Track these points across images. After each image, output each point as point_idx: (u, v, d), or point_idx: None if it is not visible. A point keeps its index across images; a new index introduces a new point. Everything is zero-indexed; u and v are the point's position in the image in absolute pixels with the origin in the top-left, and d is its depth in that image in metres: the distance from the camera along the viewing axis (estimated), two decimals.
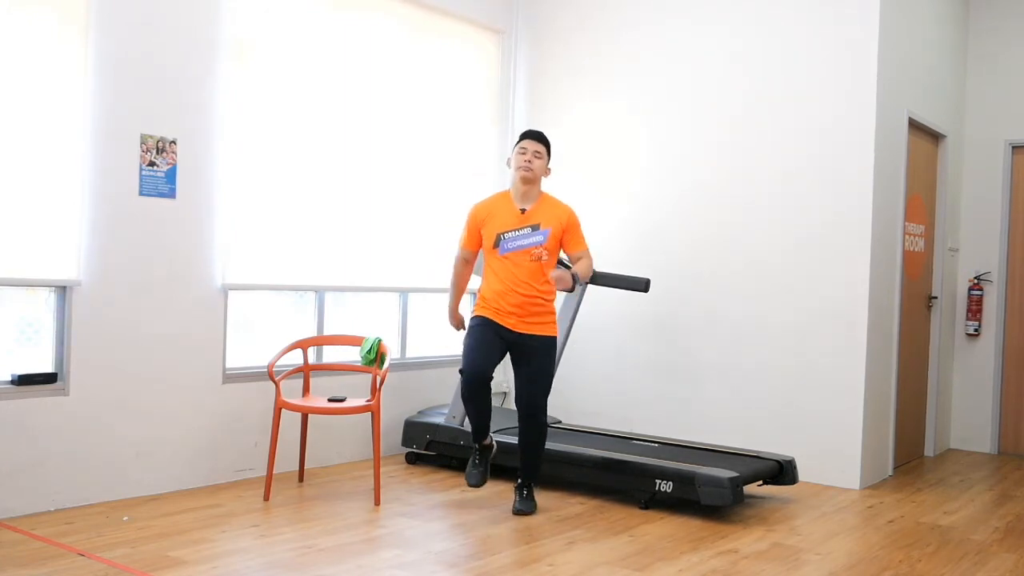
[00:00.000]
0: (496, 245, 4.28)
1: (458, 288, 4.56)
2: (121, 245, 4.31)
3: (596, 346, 6.08)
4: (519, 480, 4.50)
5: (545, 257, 4.20)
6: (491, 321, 4.30)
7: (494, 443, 4.56)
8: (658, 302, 5.80)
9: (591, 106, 6.20)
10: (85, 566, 3.36)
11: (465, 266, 4.52)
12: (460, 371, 4.30)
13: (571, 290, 4.31)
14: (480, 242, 4.41)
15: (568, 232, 4.38)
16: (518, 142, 4.40)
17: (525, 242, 4.25)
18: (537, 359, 4.31)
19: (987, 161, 6.61)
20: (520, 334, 4.29)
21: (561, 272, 4.25)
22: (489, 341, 4.26)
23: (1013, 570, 3.79)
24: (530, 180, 4.33)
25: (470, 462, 4.50)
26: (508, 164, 4.44)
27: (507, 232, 4.28)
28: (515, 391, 4.39)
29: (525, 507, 4.41)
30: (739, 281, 5.57)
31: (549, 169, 4.43)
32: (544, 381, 4.35)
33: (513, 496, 4.53)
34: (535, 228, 4.28)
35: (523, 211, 4.32)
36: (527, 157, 4.31)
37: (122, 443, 4.36)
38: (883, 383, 5.51)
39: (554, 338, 4.38)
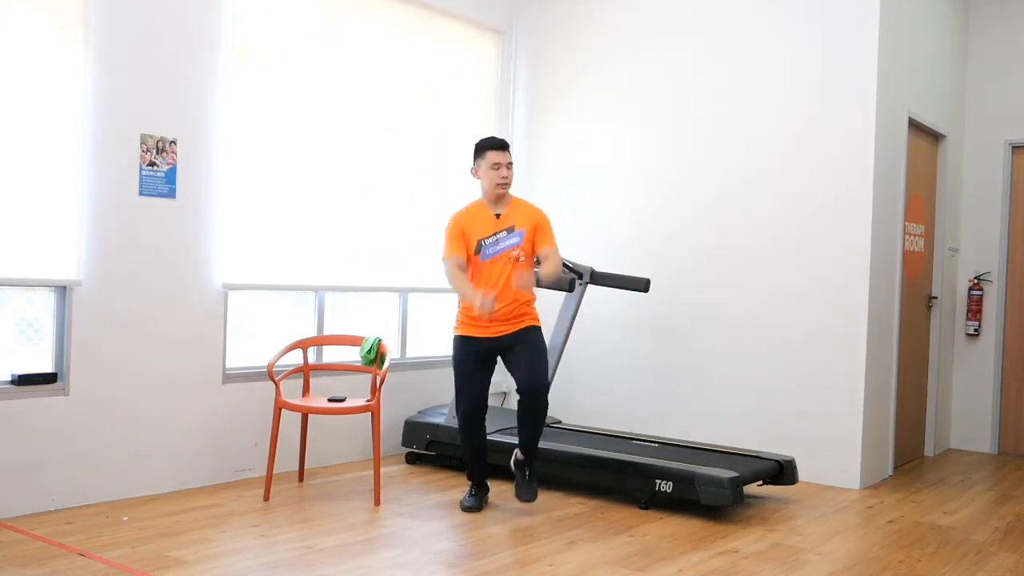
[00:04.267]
0: (477, 252, 4.33)
1: (462, 282, 4.35)
2: (121, 245, 4.31)
3: (596, 346, 6.08)
4: (517, 456, 4.43)
5: (522, 258, 4.32)
6: (473, 343, 4.35)
7: (489, 487, 4.59)
8: (658, 302, 5.80)
9: (591, 106, 6.20)
10: (85, 566, 3.36)
11: (460, 272, 4.37)
12: (455, 405, 4.43)
13: (536, 285, 4.31)
14: (465, 249, 4.38)
15: (539, 231, 4.41)
16: (483, 154, 4.37)
17: (504, 245, 4.34)
18: (526, 344, 4.34)
19: (987, 161, 6.60)
20: (503, 336, 4.33)
21: (525, 276, 4.25)
22: (477, 372, 4.37)
23: (1013, 570, 3.79)
24: (501, 197, 4.40)
25: (467, 493, 4.53)
26: (473, 174, 4.44)
27: (486, 238, 4.34)
28: (516, 377, 4.32)
29: (526, 494, 4.39)
30: (739, 281, 5.57)
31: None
32: (542, 360, 4.34)
33: (515, 477, 4.46)
34: (510, 231, 4.35)
35: (498, 216, 4.38)
36: (503, 172, 4.35)
37: (122, 443, 4.36)
38: (883, 383, 5.50)
39: (537, 327, 4.42)
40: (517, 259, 4.30)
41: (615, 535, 4.09)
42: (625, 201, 6.01)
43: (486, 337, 4.33)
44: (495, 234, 4.34)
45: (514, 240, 4.33)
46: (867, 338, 5.19)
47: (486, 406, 4.43)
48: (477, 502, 4.45)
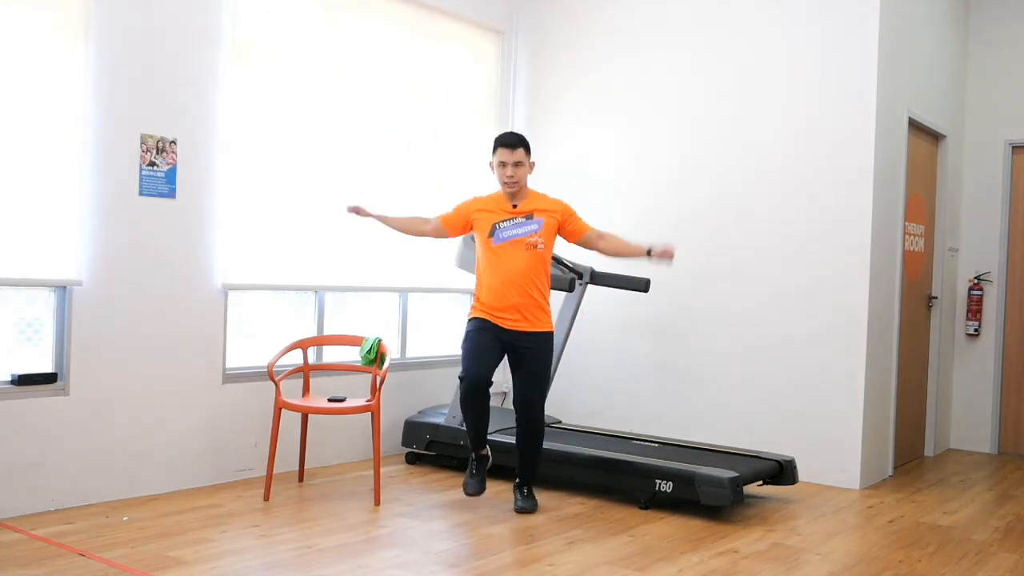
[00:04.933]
0: (491, 235, 4.33)
1: (396, 221, 4.57)
2: (121, 245, 4.31)
3: (596, 346, 6.08)
4: (517, 480, 4.51)
5: (541, 245, 4.31)
6: (488, 323, 4.33)
7: (490, 454, 4.57)
8: (658, 302, 5.80)
9: (591, 106, 6.20)
10: (85, 566, 3.36)
11: (424, 226, 4.54)
12: (459, 377, 4.33)
13: (669, 257, 4.41)
14: (459, 229, 4.48)
15: (568, 220, 4.44)
16: (495, 150, 4.41)
17: (520, 231, 4.33)
18: (535, 360, 4.35)
19: (987, 161, 6.60)
20: (517, 332, 4.32)
21: (662, 248, 4.39)
22: (487, 346, 4.30)
23: (1013, 570, 3.79)
24: (516, 192, 4.41)
25: (467, 472, 4.52)
26: (491, 168, 4.47)
27: (502, 221, 4.35)
28: (513, 393, 4.41)
29: (527, 505, 4.43)
30: (739, 281, 5.57)
31: (532, 164, 4.49)
32: (542, 383, 4.38)
33: (513, 495, 4.54)
34: (529, 217, 4.36)
35: (515, 206, 4.40)
36: (508, 172, 4.36)
37: (122, 443, 4.35)
38: (883, 383, 5.50)
39: (551, 334, 4.41)
40: (535, 246, 4.31)
41: (615, 535, 4.09)
42: (625, 201, 6.01)
43: (500, 327, 4.32)
44: (511, 219, 4.35)
45: (532, 227, 4.33)
46: (867, 338, 5.19)
47: (489, 382, 4.30)
48: (479, 483, 4.43)
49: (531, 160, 4.47)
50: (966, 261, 6.67)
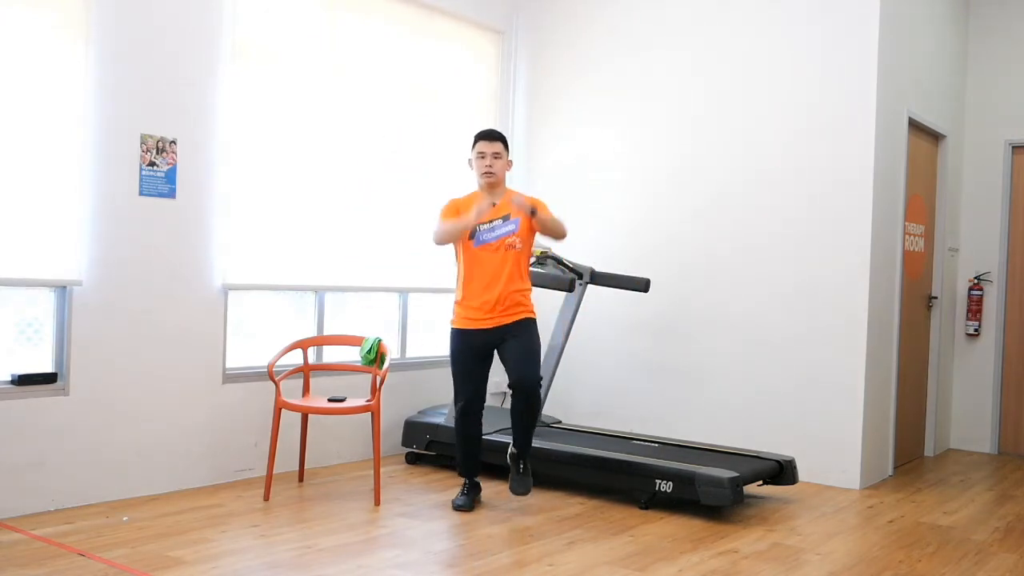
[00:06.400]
0: (472, 237, 4.36)
1: (455, 221, 4.37)
2: (121, 245, 4.31)
3: (596, 346, 6.08)
4: (512, 450, 4.45)
5: (519, 245, 4.36)
6: (469, 336, 4.36)
7: (480, 486, 4.59)
8: (658, 302, 5.80)
9: (591, 106, 6.20)
10: (85, 566, 3.37)
11: (450, 220, 4.42)
12: (455, 403, 4.44)
13: (532, 214, 4.31)
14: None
15: (537, 209, 4.44)
16: (474, 144, 4.46)
17: (499, 232, 4.37)
18: (522, 341, 4.35)
19: (987, 161, 6.61)
20: (499, 327, 4.35)
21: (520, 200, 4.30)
22: (474, 368, 4.41)
23: (1013, 570, 3.79)
24: (494, 183, 4.43)
25: (459, 492, 4.54)
26: (469, 165, 4.50)
27: (482, 224, 4.36)
28: (508, 372, 4.36)
29: (521, 486, 4.42)
30: (739, 281, 5.57)
31: (510, 162, 4.55)
32: (533, 357, 4.36)
33: (510, 472, 4.49)
34: (506, 219, 4.39)
35: (493, 204, 4.42)
36: (487, 162, 4.41)
37: (122, 443, 4.36)
38: (883, 383, 5.50)
39: (532, 318, 4.43)
40: (513, 246, 4.35)
41: (615, 535, 4.09)
42: (625, 201, 6.01)
43: (482, 329, 4.35)
44: (491, 221, 4.37)
45: (510, 227, 4.37)
46: (867, 338, 5.19)
47: (483, 402, 4.46)
48: (469, 501, 4.45)
49: (509, 158, 4.53)
50: (966, 261, 6.67)
